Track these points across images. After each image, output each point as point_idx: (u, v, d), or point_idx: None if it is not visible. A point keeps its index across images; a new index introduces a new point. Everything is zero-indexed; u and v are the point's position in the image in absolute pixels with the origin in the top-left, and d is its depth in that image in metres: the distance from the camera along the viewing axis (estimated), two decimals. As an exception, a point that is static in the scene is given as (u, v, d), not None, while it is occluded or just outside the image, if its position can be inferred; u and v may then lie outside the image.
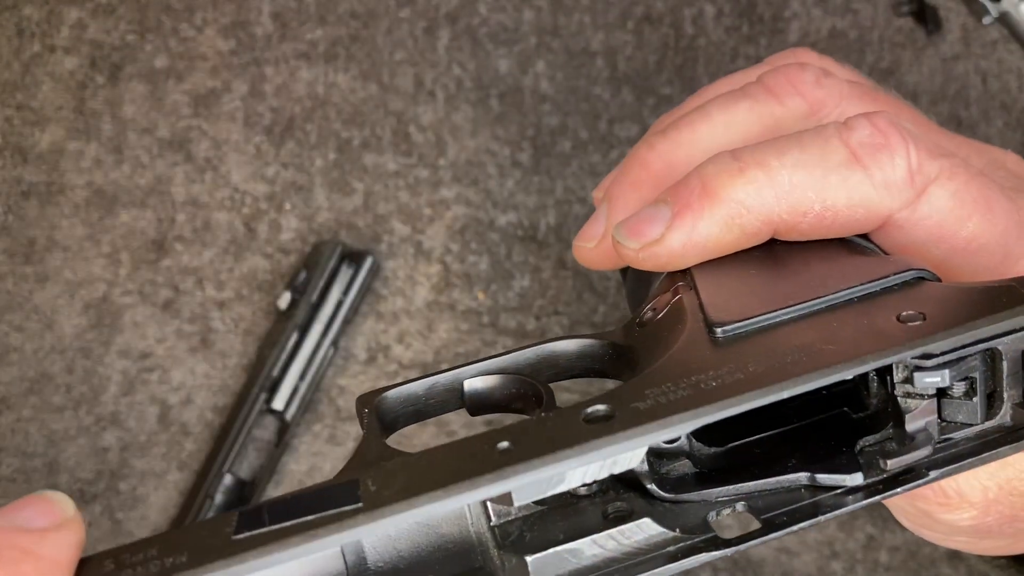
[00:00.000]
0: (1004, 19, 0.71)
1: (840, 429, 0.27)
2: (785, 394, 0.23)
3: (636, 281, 0.37)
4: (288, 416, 0.76)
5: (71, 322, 0.80)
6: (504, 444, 0.22)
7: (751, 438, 0.27)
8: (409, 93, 0.83)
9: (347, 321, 0.79)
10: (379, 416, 0.27)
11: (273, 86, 0.83)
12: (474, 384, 0.29)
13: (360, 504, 0.21)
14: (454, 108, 0.83)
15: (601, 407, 0.23)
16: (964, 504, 0.32)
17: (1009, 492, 0.32)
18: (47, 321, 0.80)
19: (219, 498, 0.73)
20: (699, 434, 0.27)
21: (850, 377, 0.24)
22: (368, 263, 0.79)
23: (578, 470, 0.22)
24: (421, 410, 0.29)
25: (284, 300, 0.78)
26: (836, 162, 0.30)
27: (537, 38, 0.84)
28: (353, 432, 0.78)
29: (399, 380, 0.29)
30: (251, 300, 0.81)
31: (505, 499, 0.22)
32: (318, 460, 0.77)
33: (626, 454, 0.22)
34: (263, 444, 0.76)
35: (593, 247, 0.36)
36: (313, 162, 0.82)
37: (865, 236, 0.32)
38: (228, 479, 0.74)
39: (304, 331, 0.77)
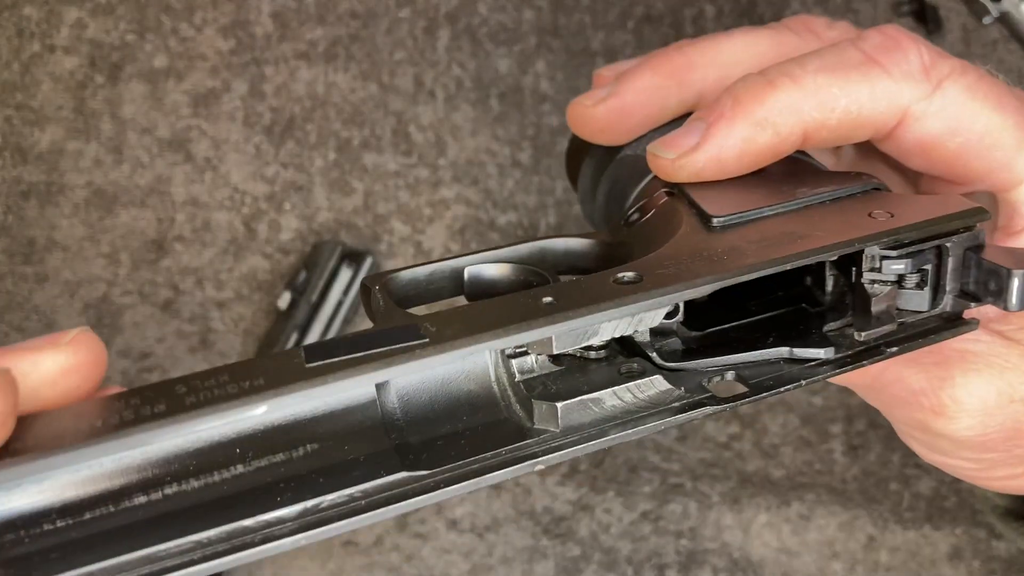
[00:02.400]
0: (1004, 19, 0.71)
1: (804, 320, 0.31)
2: (790, 265, 0.26)
3: (610, 195, 0.38)
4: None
5: (71, 322, 0.80)
6: (548, 299, 0.24)
7: (727, 325, 0.31)
8: (409, 93, 0.83)
9: (347, 321, 0.79)
10: (388, 293, 0.29)
11: (273, 86, 0.83)
12: (478, 271, 0.31)
13: (427, 339, 0.22)
14: (454, 108, 0.83)
15: (630, 273, 0.26)
16: (961, 413, 0.33)
17: (1009, 399, 0.33)
18: (47, 321, 0.80)
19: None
20: (684, 318, 0.30)
21: (828, 260, 0.29)
22: (368, 263, 0.78)
23: (610, 324, 0.25)
24: (422, 294, 0.31)
25: (284, 300, 0.78)
26: (855, 63, 0.32)
27: (537, 38, 0.84)
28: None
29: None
30: (251, 300, 0.81)
31: (545, 345, 0.24)
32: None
33: (651, 312, 0.25)
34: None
35: (591, 105, 0.36)
36: (313, 162, 0.82)
37: (806, 156, 0.35)
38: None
39: (304, 331, 0.77)
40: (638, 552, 0.72)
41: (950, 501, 0.73)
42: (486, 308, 0.24)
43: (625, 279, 0.26)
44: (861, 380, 0.35)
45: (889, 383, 0.34)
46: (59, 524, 0.21)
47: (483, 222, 0.81)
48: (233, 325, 0.80)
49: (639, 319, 0.25)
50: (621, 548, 0.72)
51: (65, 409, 0.21)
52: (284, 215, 0.82)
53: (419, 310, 0.27)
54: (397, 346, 0.22)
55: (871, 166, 0.38)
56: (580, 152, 0.40)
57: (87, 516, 0.21)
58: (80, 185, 0.81)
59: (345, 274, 0.78)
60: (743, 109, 0.32)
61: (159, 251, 0.81)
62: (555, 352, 0.25)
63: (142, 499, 0.22)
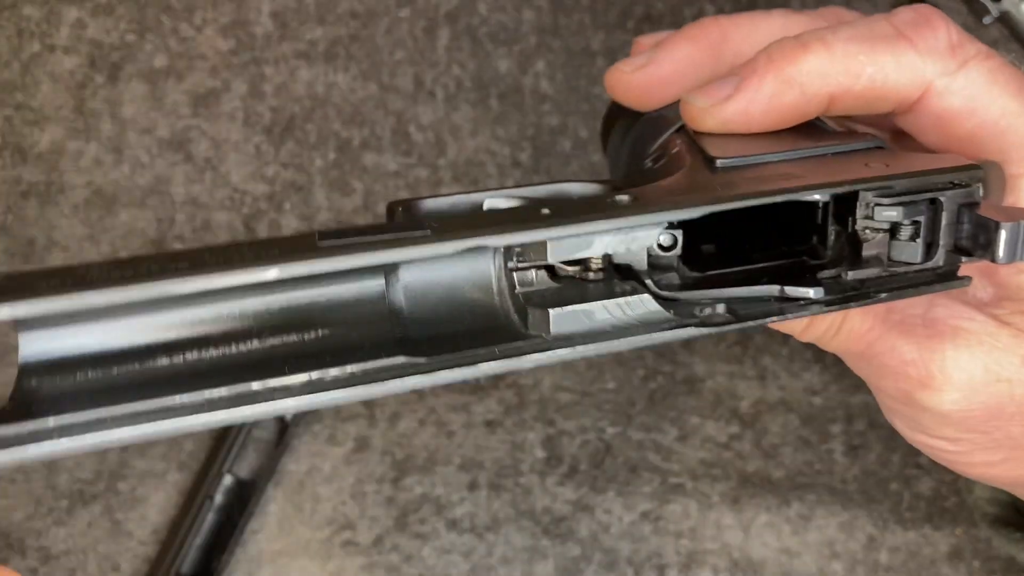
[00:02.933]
0: (1004, 19, 0.71)
1: (802, 268, 0.32)
2: (781, 198, 0.28)
3: (633, 151, 0.40)
4: (288, 416, 0.76)
5: (71, 322, 0.80)
6: (546, 210, 0.26)
7: (727, 269, 0.32)
8: (409, 93, 0.83)
9: (347, 321, 0.79)
10: (410, 217, 0.31)
11: (273, 86, 0.83)
12: (494, 204, 0.32)
13: (429, 231, 0.25)
14: (454, 108, 0.83)
15: (625, 196, 0.27)
16: (947, 385, 0.34)
17: (996, 377, 0.34)
18: (47, 321, 0.80)
19: (219, 498, 0.72)
20: (686, 259, 0.31)
21: (825, 198, 0.30)
22: (368, 263, 0.78)
23: (604, 238, 0.26)
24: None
25: (284, 300, 0.78)
26: (884, 35, 0.34)
27: (537, 38, 0.84)
28: (352, 432, 0.78)
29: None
30: (251, 300, 0.80)
31: (539, 253, 0.26)
32: (318, 460, 0.77)
33: (643, 232, 0.27)
34: (263, 444, 0.76)
35: (630, 72, 0.38)
36: (313, 162, 0.82)
37: (825, 123, 0.36)
38: (228, 479, 0.73)
39: (304, 331, 0.77)
40: (638, 552, 0.72)
41: (950, 501, 0.73)
42: (489, 215, 0.27)
43: (620, 200, 0.27)
44: (855, 347, 0.36)
45: (881, 352, 0.35)
46: (90, 374, 0.24)
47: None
48: (233, 325, 0.80)
49: (632, 237, 0.27)
50: (621, 548, 0.72)
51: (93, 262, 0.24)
52: (284, 215, 0.82)
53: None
54: (402, 234, 0.24)
55: (892, 142, 0.39)
56: (612, 119, 0.42)
57: (114, 371, 0.24)
58: (80, 185, 0.81)
59: (345, 274, 0.78)
60: (775, 66, 0.33)
61: (159, 251, 0.81)
62: (550, 261, 0.27)
63: (165, 361, 0.24)
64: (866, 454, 0.75)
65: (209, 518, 0.72)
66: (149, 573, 0.72)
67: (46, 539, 0.73)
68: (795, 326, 0.36)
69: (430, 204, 0.32)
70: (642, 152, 0.38)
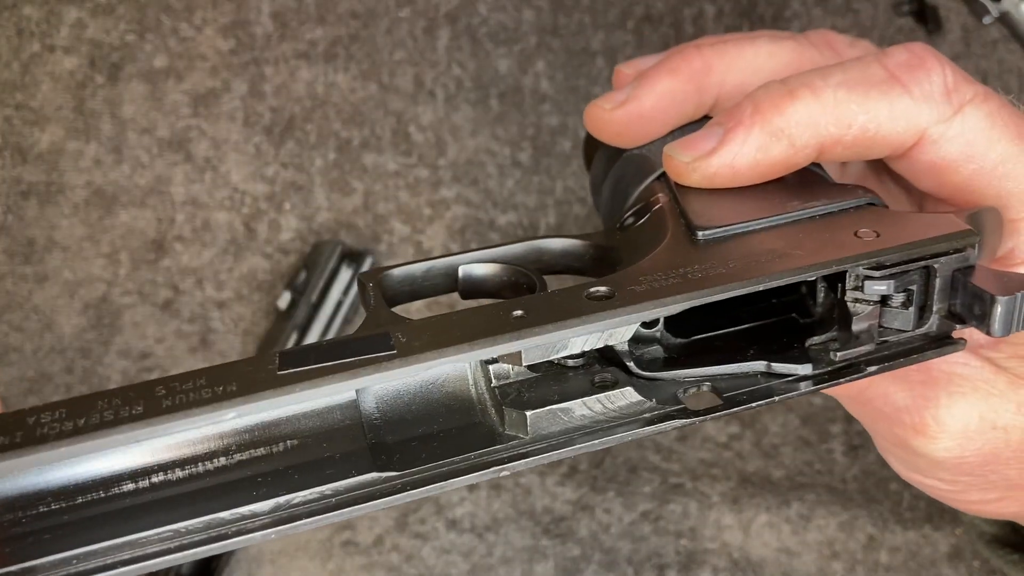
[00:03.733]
0: (1004, 19, 0.71)
1: (789, 331, 0.31)
2: (762, 286, 0.27)
3: (614, 193, 0.38)
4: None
5: (70, 322, 0.80)
6: (518, 312, 0.25)
7: (713, 333, 0.31)
8: (409, 93, 0.83)
9: (347, 321, 0.79)
10: (382, 291, 0.30)
11: (273, 86, 0.83)
12: (468, 270, 0.31)
13: (395, 351, 0.24)
14: (454, 108, 0.83)
15: (602, 288, 0.26)
16: (942, 434, 0.33)
17: (991, 424, 0.33)
18: (46, 321, 0.80)
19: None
20: (669, 326, 0.30)
21: (813, 279, 0.28)
22: (368, 263, 0.78)
23: (580, 338, 0.25)
24: (417, 290, 0.32)
25: (284, 300, 0.78)
26: (877, 80, 0.32)
27: (537, 38, 0.84)
28: (353, 432, 0.78)
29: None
30: (251, 300, 0.80)
31: (515, 358, 0.25)
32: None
33: (621, 328, 0.26)
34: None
35: (610, 109, 0.36)
36: (313, 162, 0.82)
37: (819, 167, 0.35)
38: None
39: (304, 331, 0.77)
40: (638, 552, 0.72)
41: (950, 501, 0.73)
42: (459, 319, 0.25)
43: (597, 294, 0.26)
44: (847, 392, 0.35)
45: (874, 397, 0.34)
46: (53, 507, 0.23)
47: (483, 222, 0.81)
48: (233, 325, 0.80)
49: (609, 334, 0.26)
50: (621, 548, 0.72)
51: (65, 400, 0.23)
52: (284, 215, 0.82)
53: (417, 304, 0.28)
54: (365, 356, 0.23)
55: (879, 182, 0.38)
56: (594, 143, 0.40)
57: (79, 500, 0.23)
58: (80, 185, 0.81)
59: (345, 274, 0.78)
60: (761, 117, 0.32)
61: (159, 251, 0.81)
62: (524, 364, 0.26)
63: (130, 486, 0.24)
64: (866, 454, 0.75)
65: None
66: (149, 573, 0.72)
67: (46, 539, 0.73)
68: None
69: (400, 274, 0.31)
70: (624, 194, 0.37)
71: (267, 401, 0.22)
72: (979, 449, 0.33)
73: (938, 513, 0.72)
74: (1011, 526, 0.48)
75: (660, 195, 0.33)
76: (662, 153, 0.34)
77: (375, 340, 0.24)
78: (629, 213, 0.34)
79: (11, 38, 0.83)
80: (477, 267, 0.32)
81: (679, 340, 0.30)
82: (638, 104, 0.36)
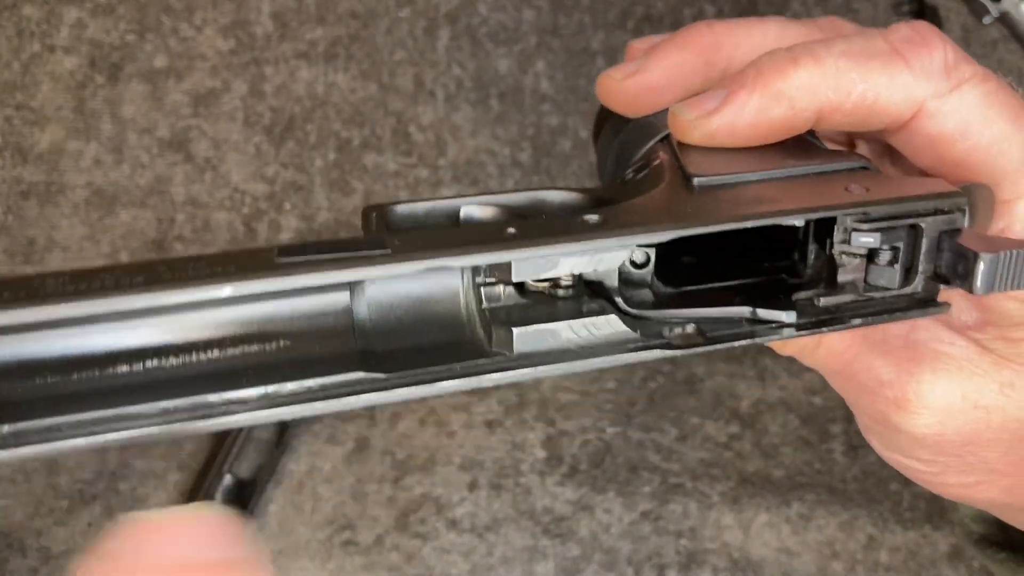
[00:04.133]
0: (1004, 19, 0.71)
1: (779, 288, 0.31)
2: (749, 224, 0.27)
3: (618, 157, 0.40)
4: (288, 416, 0.76)
5: (71, 322, 0.80)
6: (511, 230, 0.26)
7: (704, 286, 0.31)
8: (409, 93, 0.83)
9: (347, 321, 0.79)
10: (385, 224, 0.31)
11: (273, 86, 0.83)
12: (470, 211, 0.32)
13: (389, 250, 0.24)
14: (454, 108, 0.83)
15: (594, 216, 0.27)
16: (923, 409, 0.33)
17: (973, 404, 0.33)
18: (47, 321, 0.80)
19: (219, 498, 0.72)
20: (661, 274, 0.31)
21: (800, 223, 0.29)
22: (368, 263, 0.78)
23: (570, 259, 0.26)
24: (419, 227, 0.32)
25: (284, 300, 0.78)
26: (879, 52, 0.33)
27: (537, 38, 0.84)
28: (353, 432, 0.78)
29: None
30: (251, 300, 0.80)
31: (503, 274, 0.26)
32: (318, 460, 0.77)
33: (612, 253, 0.27)
34: (263, 444, 0.76)
35: (620, 79, 0.37)
36: (313, 162, 0.82)
37: (816, 138, 0.36)
38: (228, 479, 0.74)
39: (304, 331, 0.77)
40: (638, 552, 0.72)
41: (950, 501, 0.73)
42: (455, 233, 0.26)
43: (589, 220, 0.27)
44: (834, 365, 0.35)
45: (859, 371, 0.34)
46: (50, 380, 0.24)
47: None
48: (233, 325, 0.80)
49: (598, 258, 0.27)
50: (621, 548, 0.72)
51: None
52: (284, 215, 0.82)
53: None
54: (360, 253, 0.24)
55: (883, 163, 0.38)
56: (603, 119, 0.41)
57: (74, 376, 0.24)
58: (80, 185, 0.81)
59: (345, 274, 0.78)
60: (764, 80, 0.32)
61: (159, 251, 0.81)
62: (515, 280, 0.26)
63: (124, 368, 0.24)
64: (866, 454, 0.75)
65: (209, 518, 0.72)
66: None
67: (47, 539, 0.73)
68: (775, 341, 0.36)
69: (404, 210, 0.32)
70: (628, 158, 0.38)
71: (262, 282, 0.23)
72: (959, 428, 0.34)
73: (938, 513, 0.73)
74: (999, 525, 0.48)
75: (662, 153, 0.34)
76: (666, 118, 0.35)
77: (371, 241, 0.25)
78: (631, 169, 0.35)
79: (11, 38, 0.83)
80: (478, 209, 0.32)
81: (669, 289, 0.31)
82: (648, 75, 0.37)
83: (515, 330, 0.27)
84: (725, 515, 0.73)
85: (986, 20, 0.70)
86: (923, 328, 0.34)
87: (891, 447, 0.36)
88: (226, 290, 0.23)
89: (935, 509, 0.73)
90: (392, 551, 0.73)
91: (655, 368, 0.81)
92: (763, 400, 0.79)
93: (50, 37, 0.83)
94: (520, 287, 0.28)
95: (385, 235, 0.27)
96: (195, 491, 0.74)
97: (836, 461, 0.75)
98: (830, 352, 0.35)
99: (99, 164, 0.82)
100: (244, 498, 0.74)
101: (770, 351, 0.36)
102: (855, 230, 0.29)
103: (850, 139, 0.39)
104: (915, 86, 0.32)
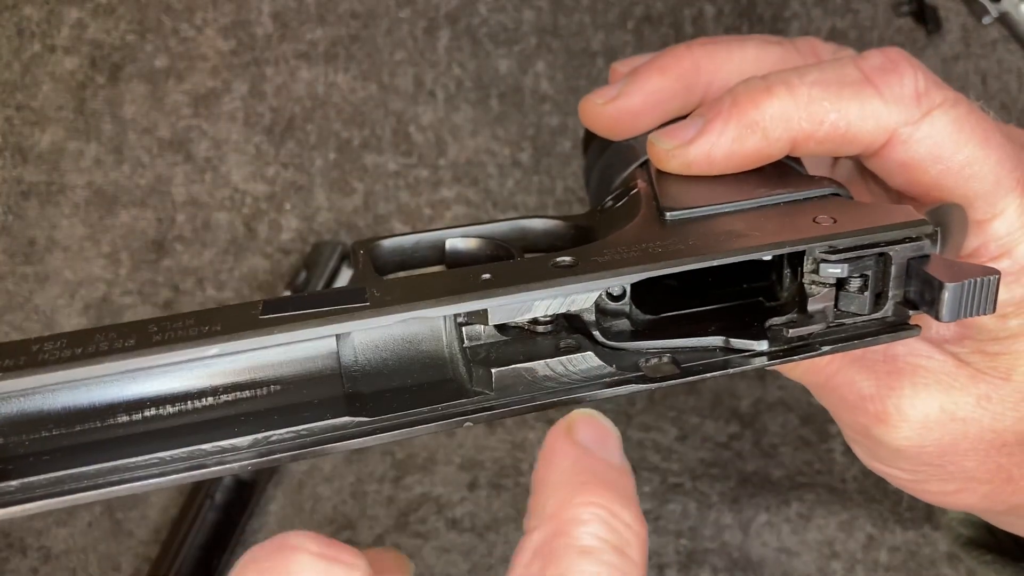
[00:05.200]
0: (1004, 19, 0.71)
1: (755, 313, 0.32)
2: (714, 262, 0.28)
3: (600, 180, 0.41)
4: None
5: (71, 322, 0.80)
6: (487, 275, 0.27)
7: (681, 311, 0.32)
8: (409, 93, 0.83)
9: (347, 321, 0.79)
10: (372, 259, 0.32)
11: (273, 86, 0.83)
12: (455, 244, 0.33)
13: (368, 303, 0.25)
14: (454, 108, 0.83)
15: (567, 258, 0.28)
16: (903, 423, 0.34)
17: (951, 416, 0.34)
18: (47, 321, 0.80)
19: (219, 498, 0.73)
20: (638, 301, 0.32)
21: (767, 258, 0.30)
22: (368, 263, 0.79)
23: (543, 302, 0.27)
24: (406, 261, 0.34)
25: (284, 300, 0.78)
26: (850, 81, 0.33)
27: (537, 38, 0.84)
28: (353, 432, 0.78)
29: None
30: (251, 300, 0.80)
31: (481, 318, 0.27)
32: (318, 460, 0.77)
33: (583, 295, 0.27)
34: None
35: (601, 104, 0.38)
36: (313, 162, 0.82)
37: (800, 164, 0.37)
38: (228, 479, 0.74)
39: (304, 331, 0.77)
40: (638, 552, 0.72)
41: (950, 501, 0.73)
42: (432, 280, 0.27)
43: (561, 263, 0.28)
44: (815, 379, 0.36)
45: (840, 385, 0.35)
46: (54, 432, 0.25)
47: (483, 222, 0.81)
48: (233, 325, 0.80)
49: (571, 300, 0.27)
50: (621, 548, 0.73)
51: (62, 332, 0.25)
52: (284, 215, 0.82)
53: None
54: (340, 306, 0.25)
55: (863, 181, 0.39)
56: (590, 139, 0.42)
57: (77, 428, 0.25)
58: (80, 185, 0.81)
59: (345, 274, 0.78)
60: (739, 110, 0.33)
61: (159, 251, 0.81)
62: (491, 323, 0.27)
63: (124, 418, 0.26)
64: (866, 454, 0.75)
65: (209, 518, 0.72)
66: (150, 572, 0.72)
67: (47, 539, 0.73)
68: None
69: (390, 244, 0.33)
70: (609, 181, 0.38)
71: (247, 341, 0.24)
72: (938, 439, 0.34)
73: (938, 513, 0.73)
74: (986, 527, 0.48)
75: (640, 181, 0.35)
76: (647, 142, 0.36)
77: (351, 293, 0.26)
78: (611, 197, 0.36)
79: (12, 38, 0.83)
80: (462, 241, 0.33)
81: (647, 316, 0.32)
82: (628, 100, 0.38)
83: (494, 370, 0.28)
84: (725, 515, 0.73)
85: (986, 20, 0.70)
86: (901, 342, 0.34)
87: (874, 457, 0.37)
88: (212, 350, 0.24)
89: (935, 509, 0.73)
90: (392, 551, 0.73)
91: (655, 368, 0.81)
92: (763, 400, 0.79)
93: (51, 37, 0.83)
94: (500, 326, 0.29)
95: (368, 281, 0.28)
96: (195, 491, 0.74)
97: (836, 461, 0.76)
98: (812, 367, 0.36)
99: (99, 164, 0.82)
100: (244, 498, 0.74)
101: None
102: (823, 261, 0.29)
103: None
104: (886, 114, 0.33)
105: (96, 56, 0.83)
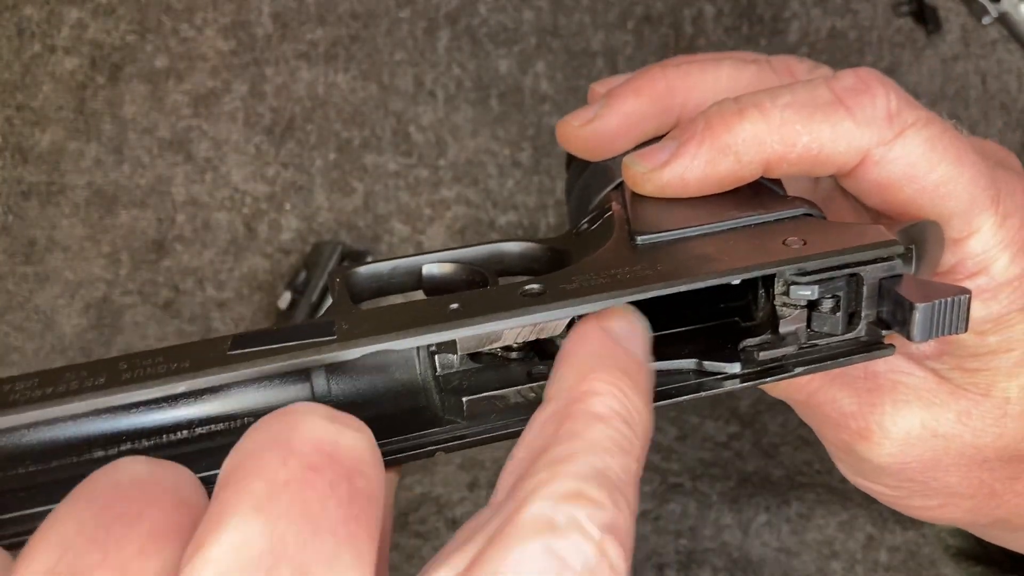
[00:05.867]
0: (1004, 19, 0.71)
1: (729, 334, 0.32)
2: (681, 288, 0.28)
3: (579, 200, 0.41)
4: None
5: (71, 322, 0.80)
6: (455, 305, 0.27)
7: (656, 333, 0.32)
8: (409, 93, 0.83)
9: (347, 321, 0.79)
10: (348, 287, 0.33)
11: (273, 86, 0.83)
12: (431, 269, 0.34)
13: (335, 337, 0.26)
14: (454, 108, 0.83)
15: (535, 286, 0.28)
16: (885, 439, 0.34)
17: (932, 432, 0.34)
18: (47, 321, 0.80)
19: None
20: None
21: (736, 282, 0.30)
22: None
23: (512, 331, 0.27)
24: (384, 287, 0.34)
25: (284, 300, 0.78)
26: (822, 103, 0.34)
27: (537, 38, 0.84)
28: (353, 432, 0.79)
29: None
30: (251, 300, 0.81)
31: (451, 347, 0.27)
32: (318, 460, 0.77)
33: (551, 323, 0.28)
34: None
35: (578, 126, 0.39)
36: (313, 162, 0.82)
37: (778, 183, 0.37)
38: (228, 479, 0.74)
39: (304, 331, 0.77)
40: (638, 552, 0.72)
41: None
42: (401, 310, 0.27)
43: (530, 291, 0.28)
44: (797, 397, 0.37)
45: (822, 403, 0.36)
46: (31, 468, 0.25)
47: (483, 222, 0.81)
48: (233, 325, 0.80)
49: (540, 328, 0.28)
50: (621, 548, 0.73)
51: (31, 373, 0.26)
52: (284, 215, 0.82)
53: (392, 299, 0.29)
54: (307, 341, 0.26)
55: (844, 198, 0.39)
56: (571, 159, 0.43)
57: (53, 464, 0.26)
58: (81, 185, 0.82)
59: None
60: (711, 133, 0.33)
61: (159, 251, 0.81)
62: (460, 353, 0.27)
63: (100, 453, 0.26)
64: (865, 454, 0.75)
65: (209, 518, 0.72)
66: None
67: (47, 538, 0.74)
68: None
69: (367, 271, 0.33)
70: (587, 202, 0.39)
71: (213, 377, 0.25)
72: (920, 456, 0.35)
73: (927, 523, 0.73)
74: (975, 538, 0.49)
75: (614, 203, 0.35)
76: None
77: (319, 326, 0.26)
78: (586, 219, 0.36)
79: (12, 38, 0.83)
80: (438, 267, 0.34)
81: None
82: (603, 122, 0.38)
83: (464, 399, 0.28)
84: (724, 515, 0.74)
85: (986, 20, 0.71)
86: (881, 359, 0.34)
87: (858, 473, 0.38)
88: (180, 387, 0.25)
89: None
90: (392, 551, 0.73)
91: (655, 368, 0.81)
92: (762, 399, 0.79)
93: (51, 37, 0.83)
94: (473, 353, 0.29)
95: (340, 312, 0.29)
96: (195, 491, 0.74)
97: (835, 461, 0.76)
98: (793, 385, 0.36)
99: (99, 164, 0.82)
100: (244, 498, 0.74)
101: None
102: (794, 283, 0.29)
103: None
104: (858, 136, 0.33)
105: (96, 56, 0.83)
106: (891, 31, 0.84)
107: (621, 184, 0.37)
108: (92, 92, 0.83)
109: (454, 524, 0.74)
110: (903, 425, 0.34)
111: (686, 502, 0.74)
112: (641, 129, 0.38)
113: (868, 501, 0.73)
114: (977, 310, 0.33)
